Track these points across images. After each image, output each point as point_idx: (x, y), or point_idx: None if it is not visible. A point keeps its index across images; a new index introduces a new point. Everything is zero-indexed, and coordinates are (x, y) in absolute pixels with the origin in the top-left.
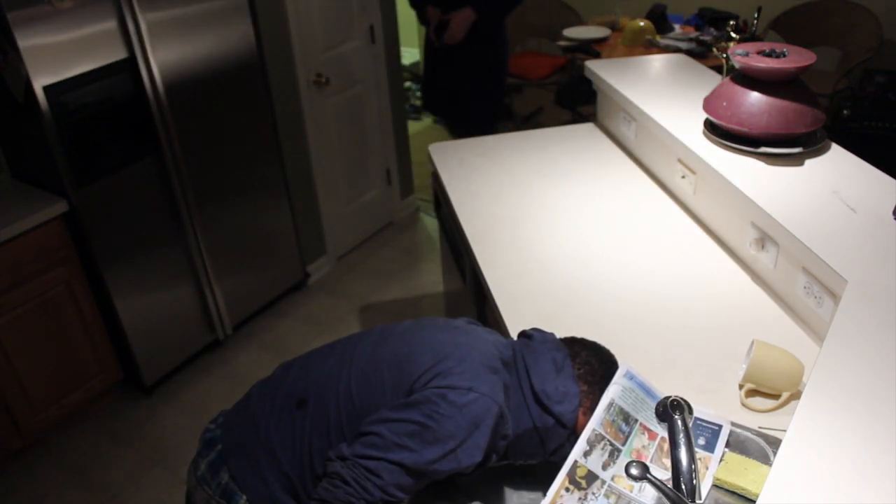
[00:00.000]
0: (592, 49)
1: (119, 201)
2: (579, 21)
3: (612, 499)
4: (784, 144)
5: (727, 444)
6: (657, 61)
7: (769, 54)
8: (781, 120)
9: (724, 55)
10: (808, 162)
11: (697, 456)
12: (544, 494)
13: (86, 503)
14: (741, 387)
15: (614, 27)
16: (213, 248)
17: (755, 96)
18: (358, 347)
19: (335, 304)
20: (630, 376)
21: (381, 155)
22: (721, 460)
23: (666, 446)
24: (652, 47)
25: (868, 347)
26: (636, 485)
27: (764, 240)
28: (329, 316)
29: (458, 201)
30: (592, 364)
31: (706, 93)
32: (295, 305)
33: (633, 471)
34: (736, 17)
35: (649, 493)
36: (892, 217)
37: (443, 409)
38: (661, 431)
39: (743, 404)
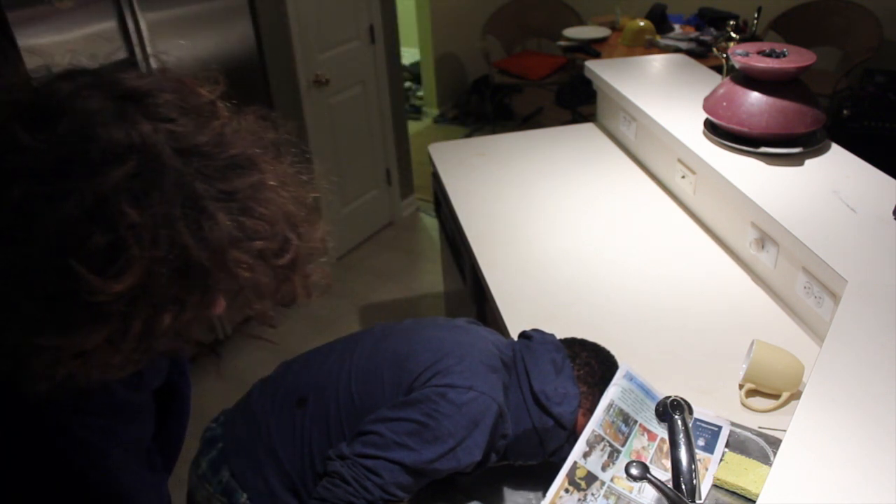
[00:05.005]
0: (592, 49)
1: None
2: (579, 21)
3: (612, 499)
4: (784, 144)
5: (727, 444)
6: (657, 61)
7: (769, 54)
8: (781, 120)
9: (724, 55)
10: (808, 162)
11: (697, 457)
12: (544, 495)
13: None
14: (741, 387)
15: (614, 27)
16: None
17: (755, 96)
18: (358, 346)
19: (335, 304)
20: (630, 377)
21: (381, 155)
22: (721, 460)
23: (665, 447)
24: (652, 47)
25: (868, 347)
26: (636, 485)
27: (764, 240)
28: (329, 316)
29: (458, 201)
30: (592, 365)
31: (706, 93)
32: (295, 305)
33: (633, 471)
34: (736, 17)
35: (649, 493)
36: (892, 217)
37: (442, 408)
38: (661, 432)
39: (743, 404)
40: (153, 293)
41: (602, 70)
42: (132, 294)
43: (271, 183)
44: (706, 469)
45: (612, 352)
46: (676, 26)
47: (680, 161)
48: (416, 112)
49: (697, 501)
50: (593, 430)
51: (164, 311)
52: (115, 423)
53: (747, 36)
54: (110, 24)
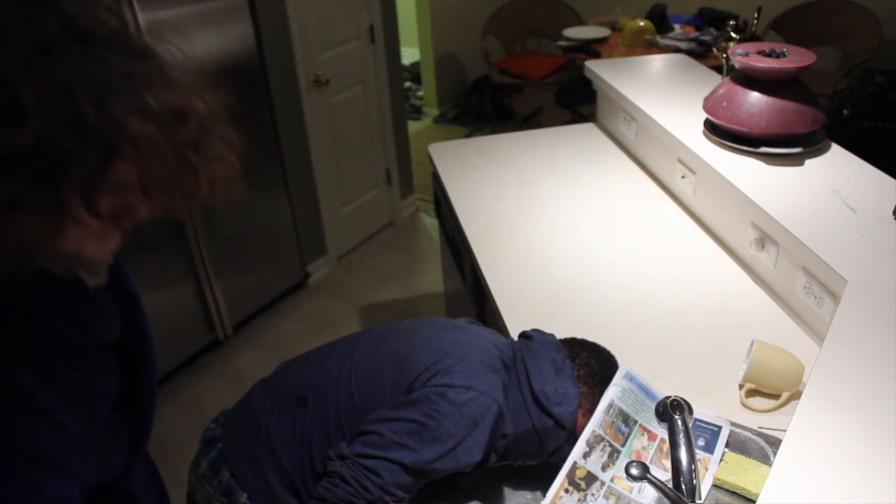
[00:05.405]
0: (592, 49)
1: None
2: (579, 21)
3: (612, 499)
4: (784, 144)
5: (727, 444)
6: (657, 61)
7: (769, 54)
8: (781, 120)
9: (724, 55)
10: (808, 162)
11: (697, 457)
12: (544, 495)
13: None
14: (741, 387)
15: (614, 27)
16: (213, 248)
17: (755, 96)
18: (358, 346)
19: (335, 304)
20: (630, 377)
21: (381, 155)
22: (721, 460)
23: (665, 447)
24: (652, 47)
25: (868, 347)
26: (636, 485)
27: (764, 240)
28: (329, 316)
29: (458, 201)
30: (592, 365)
31: (706, 93)
32: (295, 305)
33: (633, 471)
34: (736, 17)
35: (649, 493)
36: (892, 217)
37: (442, 408)
38: (661, 432)
39: (743, 404)
40: (53, 153)
41: (602, 70)
42: (33, 150)
43: (174, 74)
44: (706, 469)
45: (612, 352)
46: (676, 26)
47: (680, 161)
48: (416, 112)
49: (697, 501)
50: (593, 431)
51: (69, 170)
52: (50, 362)
53: (747, 36)
54: None
